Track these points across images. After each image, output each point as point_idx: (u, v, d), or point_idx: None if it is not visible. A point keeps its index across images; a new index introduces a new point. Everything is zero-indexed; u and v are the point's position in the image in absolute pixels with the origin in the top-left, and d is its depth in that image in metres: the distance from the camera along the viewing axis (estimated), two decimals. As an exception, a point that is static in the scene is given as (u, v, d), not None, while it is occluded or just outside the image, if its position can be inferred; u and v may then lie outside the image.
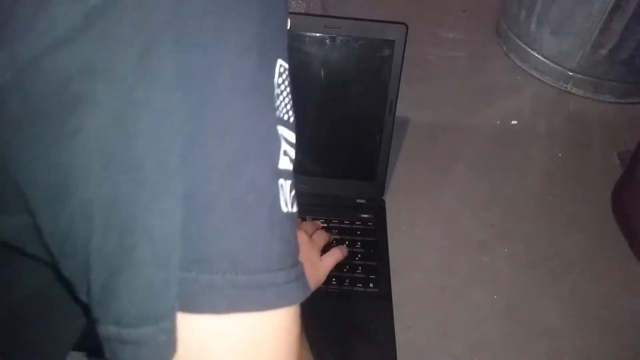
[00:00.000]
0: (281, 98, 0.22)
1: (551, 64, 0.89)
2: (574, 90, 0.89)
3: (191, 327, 0.20)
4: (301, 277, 0.23)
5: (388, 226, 0.64)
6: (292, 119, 0.23)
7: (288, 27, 0.24)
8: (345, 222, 0.64)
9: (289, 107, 0.23)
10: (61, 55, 0.17)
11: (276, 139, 0.22)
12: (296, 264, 0.23)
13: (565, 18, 0.84)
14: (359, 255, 0.60)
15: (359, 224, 0.64)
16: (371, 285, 0.57)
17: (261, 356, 0.21)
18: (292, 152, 0.23)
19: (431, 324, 0.56)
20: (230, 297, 0.20)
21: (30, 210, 0.21)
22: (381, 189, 0.67)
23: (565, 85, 0.90)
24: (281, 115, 0.22)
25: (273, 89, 0.22)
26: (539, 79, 0.92)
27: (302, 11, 0.87)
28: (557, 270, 0.63)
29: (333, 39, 0.58)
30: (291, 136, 0.23)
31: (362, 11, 1.00)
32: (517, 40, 0.94)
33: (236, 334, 0.21)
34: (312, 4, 0.90)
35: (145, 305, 0.20)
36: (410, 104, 0.77)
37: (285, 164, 0.23)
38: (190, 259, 0.20)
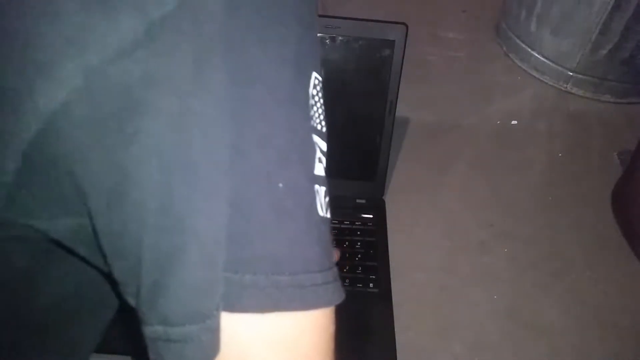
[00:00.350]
0: (315, 108, 0.24)
1: (551, 64, 0.89)
2: (574, 90, 0.89)
3: (235, 326, 0.21)
4: (337, 279, 0.24)
5: (388, 226, 0.64)
6: (324, 129, 0.25)
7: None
8: (345, 222, 0.64)
9: (321, 117, 0.24)
10: (125, 64, 0.19)
11: (312, 146, 0.23)
12: (332, 266, 0.24)
13: (565, 18, 0.84)
14: (359, 255, 0.60)
15: (359, 224, 0.64)
16: (371, 285, 0.57)
17: (300, 353, 0.22)
18: (324, 160, 0.25)
19: (431, 324, 0.56)
20: (273, 297, 0.21)
21: (88, 212, 0.21)
22: (381, 189, 0.67)
23: (565, 85, 0.90)
24: (315, 124, 0.24)
25: (308, 99, 0.23)
26: (539, 79, 0.92)
27: (302, 11, 0.87)
28: (557, 270, 0.63)
29: (333, 39, 0.58)
30: (323, 145, 0.25)
31: (362, 11, 1.00)
32: (517, 40, 0.94)
33: (277, 332, 0.21)
34: (312, 4, 0.90)
35: (192, 304, 0.20)
36: (410, 104, 0.77)
37: (320, 170, 0.24)
38: (235, 260, 0.20)
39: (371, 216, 0.65)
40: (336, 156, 0.67)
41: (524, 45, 0.93)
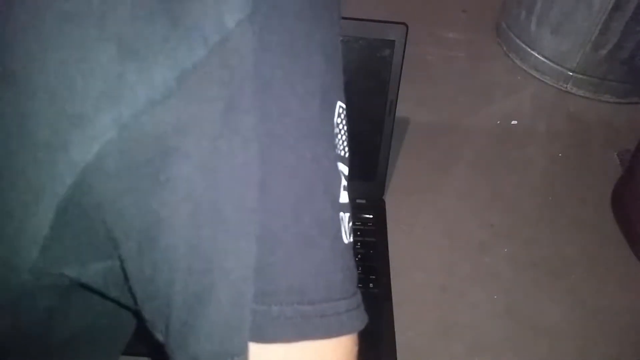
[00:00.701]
0: (339, 136, 0.24)
1: (551, 64, 0.89)
2: (574, 90, 0.89)
3: (262, 355, 0.21)
4: (360, 305, 0.25)
5: (388, 226, 0.64)
6: (347, 154, 0.25)
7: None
8: (345, 222, 0.63)
9: (345, 143, 0.25)
10: (157, 113, 0.19)
11: (337, 176, 0.24)
12: (356, 292, 0.25)
13: (565, 18, 0.84)
14: (359, 255, 0.60)
15: (359, 224, 0.63)
16: (371, 285, 0.57)
17: None
18: (346, 185, 0.25)
19: (431, 324, 0.56)
20: (299, 327, 0.21)
21: (119, 256, 0.22)
22: (381, 189, 0.67)
23: (565, 85, 0.90)
24: (339, 152, 0.24)
25: (333, 129, 0.23)
26: (539, 79, 0.92)
27: (302, 11, 0.87)
28: (557, 270, 0.63)
29: (333, 39, 0.58)
30: (346, 169, 0.25)
31: (362, 11, 0.99)
32: (517, 40, 0.94)
33: (303, 359, 0.22)
34: (312, 4, 0.90)
35: (222, 342, 0.21)
36: (410, 104, 0.77)
37: (345, 198, 0.24)
38: (262, 292, 0.21)
39: (371, 216, 0.65)
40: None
41: (524, 45, 0.93)
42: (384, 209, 0.66)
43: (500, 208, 0.69)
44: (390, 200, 0.68)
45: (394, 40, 0.57)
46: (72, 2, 0.19)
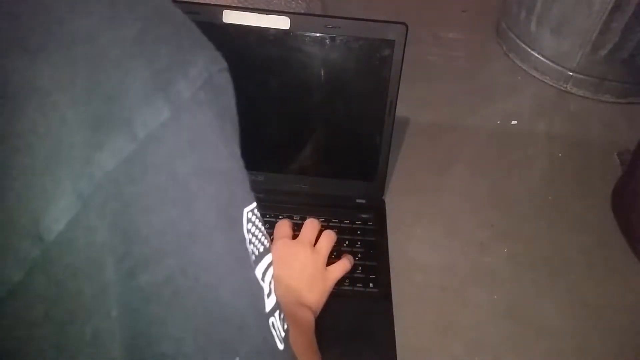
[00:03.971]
0: (254, 239, 0.25)
1: (551, 64, 0.89)
2: (574, 90, 0.89)
3: None
4: None
5: (388, 226, 0.64)
6: (267, 243, 0.26)
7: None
8: (345, 222, 0.64)
9: (262, 238, 0.26)
10: (107, 191, 0.19)
11: (257, 288, 0.24)
12: None
13: (565, 18, 0.84)
14: (359, 255, 0.60)
15: (359, 224, 0.64)
16: (371, 285, 0.57)
17: None
18: (270, 274, 0.26)
19: (431, 324, 0.56)
20: None
21: None
22: (381, 189, 0.67)
23: (565, 85, 0.90)
24: (256, 253, 0.25)
25: (245, 242, 0.24)
26: (539, 79, 0.92)
27: (302, 11, 0.87)
28: (557, 270, 0.63)
29: (333, 39, 0.58)
30: (268, 257, 0.26)
31: (362, 11, 1.00)
32: (517, 40, 0.94)
33: None
34: (312, 4, 0.90)
35: None
36: (410, 104, 0.77)
37: (271, 301, 0.25)
38: None
39: (371, 216, 0.65)
40: (336, 156, 0.67)
41: (524, 45, 0.93)
42: (384, 209, 0.66)
43: (500, 208, 0.69)
44: (390, 200, 0.68)
45: (394, 40, 0.57)
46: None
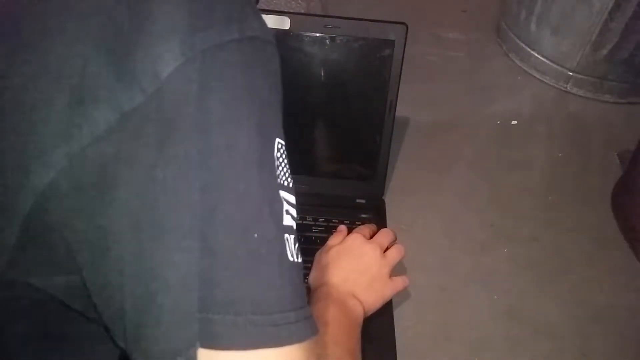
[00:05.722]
0: (280, 168, 0.28)
1: (551, 64, 0.90)
2: (574, 90, 0.89)
3: None
4: (310, 317, 0.27)
5: (388, 226, 0.64)
6: (291, 184, 0.29)
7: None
8: (345, 222, 0.63)
9: (287, 174, 0.28)
10: (101, 147, 0.23)
11: (280, 201, 0.27)
12: (304, 305, 0.27)
13: (565, 18, 0.84)
14: (359, 255, 0.60)
15: (359, 224, 0.63)
16: (371, 285, 0.57)
17: None
18: (293, 212, 0.28)
19: (431, 324, 0.56)
20: (252, 335, 0.24)
21: (78, 268, 0.25)
22: (381, 189, 0.67)
23: (565, 85, 0.90)
24: (281, 182, 0.27)
25: (274, 162, 0.27)
26: (539, 79, 0.92)
27: (302, 11, 0.87)
28: (557, 270, 0.63)
29: (333, 39, 0.58)
30: (292, 198, 0.28)
31: (362, 11, 1.00)
32: (517, 40, 0.94)
33: None
34: (312, 4, 0.90)
35: (166, 342, 0.24)
36: (410, 104, 0.77)
37: (288, 221, 0.27)
38: (217, 303, 0.24)
39: (371, 216, 0.65)
40: (336, 156, 0.67)
41: (524, 45, 0.93)
42: (384, 209, 0.66)
43: (500, 208, 0.69)
44: (390, 200, 0.68)
45: (394, 40, 0.57)
46: (34, 63, 0.24)
